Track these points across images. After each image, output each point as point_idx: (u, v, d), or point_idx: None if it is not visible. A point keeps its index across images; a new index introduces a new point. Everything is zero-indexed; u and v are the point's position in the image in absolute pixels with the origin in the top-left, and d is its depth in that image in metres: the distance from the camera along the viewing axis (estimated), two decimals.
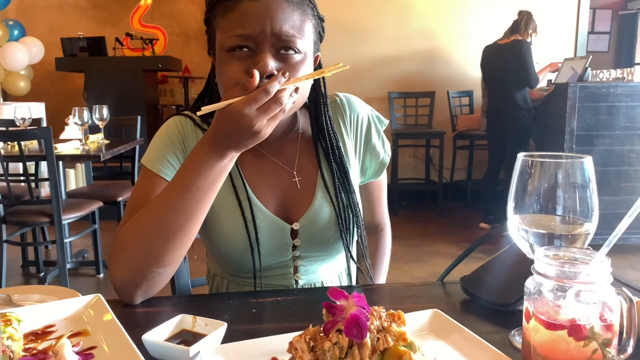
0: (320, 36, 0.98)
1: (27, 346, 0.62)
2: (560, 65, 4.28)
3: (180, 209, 0.83)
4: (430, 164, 5.32)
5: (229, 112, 0.77)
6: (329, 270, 1.10)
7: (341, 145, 1.07)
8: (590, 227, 0.66)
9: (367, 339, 0.55)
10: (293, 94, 0.80)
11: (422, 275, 3.33)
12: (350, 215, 1.04)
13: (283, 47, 0.87)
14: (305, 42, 0.90)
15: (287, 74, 0.79)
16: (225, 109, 0.78)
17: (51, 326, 0.68)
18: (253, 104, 0.76)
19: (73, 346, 0.60)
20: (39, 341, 0.64)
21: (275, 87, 0.76)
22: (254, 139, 0.80)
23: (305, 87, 0.93)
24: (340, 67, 0.79)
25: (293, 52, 0.88)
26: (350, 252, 1.06)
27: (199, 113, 0.78)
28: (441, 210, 4.95)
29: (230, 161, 0.84)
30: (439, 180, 5.01)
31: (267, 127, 0.79)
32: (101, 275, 3.39)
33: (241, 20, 0.87)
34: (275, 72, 0.83)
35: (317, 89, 1.04)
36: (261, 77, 0.82)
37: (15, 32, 5.46)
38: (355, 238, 1.08)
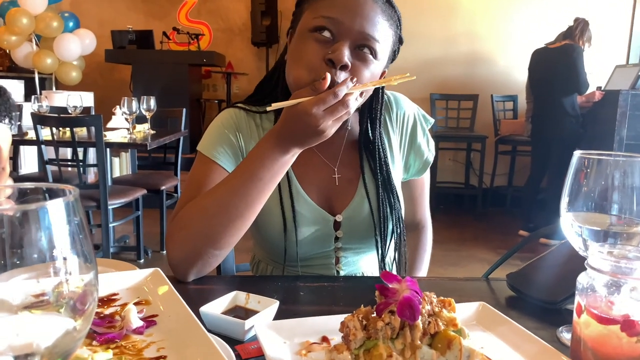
0: (394, 55, 1.01)
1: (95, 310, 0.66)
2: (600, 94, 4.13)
3: (242, 196, 0.86)
4: (470, 168, 5.26)
5: (297, 111, 0.80)
6: (369, 262, 1.12)
7: (386, 141, 1.08)
8: None
9: (419, 322, 0.57)
10: (358, 98, 0.83)
11: (459, 277, 3.29)
12: (390, 210, 1.06)
13: (362, 45, 0.90)
14: (383, 50, 0.92)
15: (355, 79, 0.83)
16: (294, 107, 0.81)
17: (115, 294, 0.73)
18: (321, 104, 0.79)
19: (138, 312, 0.65)
20: (105, 307, 0.69)
21: (343, 90, 0.80)
22: (318, 138, 0.83)
23: (370, 90, 0.96)
24: (408, 77, 0.83)
25: (369, 53, 0.90)
26: (388, 247, 1.07)
27: (268, 108, 0.82)
28: (479, 215, 4.88)
29: (292, 157, 0.88)
30: (479, 185, 4.94)
31: (331, 127, 0.83)
32: (142, 261, 3.49)
33: (334, 6, 0.90)
34: (349, 64, 0.87)
35: (376, 91, 1.06)
36: (335, 66, 0.85)
37: (71, 24, 5.66)
38: (397, 231, 1.09)
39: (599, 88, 4.30)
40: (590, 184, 0.67)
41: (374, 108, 1.07)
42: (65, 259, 0.37)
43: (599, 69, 4.67)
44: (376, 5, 0.91)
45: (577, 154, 0.69)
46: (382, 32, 0.91)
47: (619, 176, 0.66)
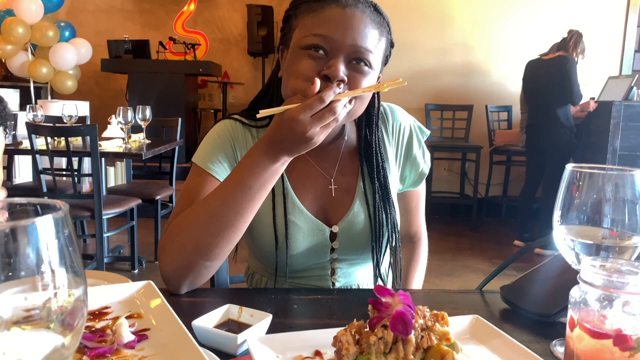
0: (386, 59, 1.01)
1: (86, 324, 0.65)
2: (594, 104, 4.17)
3: (232, 205, 0.86)
4: (465, 178, 5.27)
5: (284, 118, 0.81)
6: (365, 274, 1.12)
7: (383, 151, 1.09)
8: (638, 241, 0.66)
9: (412, 336, 0.57)
10: (347, 105, 0.83)
11: (453, 289, 3.28)
12: (387, 222, 1.06)
13: (356, 58, 0.90)
14: (376, 60, 0.93)
15: (342, 85, 0.83)
16: (281, 114, 0.81)
17: (107, 308, 0.72)
18: (308, 111, 0.79)
19: (129, 326, 0.64)
20: (97, 320, 0.68)
21: (329, 96, 0.80)
22: (306, 145, 0.83)
23: (366, 99, 0.96)
24: (399, 82, 0.82)
25: (364, 65, 0.91)
26: (382, 257, 1.07)
27: (257, 116, 0.82)
28: (475, 225, 4.89)
29: (282, 165, 0.87)
30: (474, 195, 4.95)
31: (319, 134, 0.82)
32: (136, 271, 3.47)
33: (324, 23, 0.90)
34: (345, 78, 0.88)
35: (372, 100, 1.07)
36: (331, 81, 0.86)
37: (67, 33, 5.67)
38: (393, 237, 1.09)
39: (592, 99, 4.33)
40: (582, 197, 0.67)
41: (371, 114, 1.07)
42: (54, 273, 0.36)
43: (592, 80, 4.71)
44: (365, 16, 0.91)
45: (569, 167, 0.69)
46: (374, 42, 0.92)
47: (611, 189, 0.67)
